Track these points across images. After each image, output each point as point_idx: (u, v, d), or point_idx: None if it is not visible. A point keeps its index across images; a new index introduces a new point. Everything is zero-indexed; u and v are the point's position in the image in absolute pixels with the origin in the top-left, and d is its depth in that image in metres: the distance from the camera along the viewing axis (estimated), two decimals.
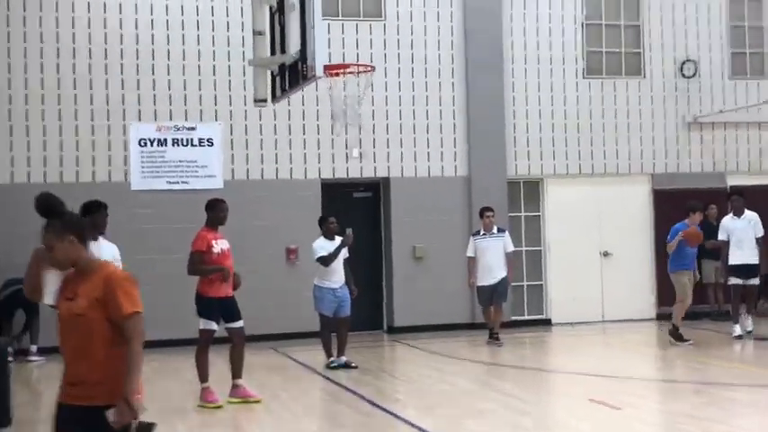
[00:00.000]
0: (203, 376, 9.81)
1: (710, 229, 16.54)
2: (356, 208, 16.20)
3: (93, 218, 8.20)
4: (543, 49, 16.71)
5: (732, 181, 17.22)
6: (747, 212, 13.95)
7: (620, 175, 17.06)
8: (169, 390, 10.92)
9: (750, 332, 13.74)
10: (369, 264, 15.91)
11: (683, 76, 17.22)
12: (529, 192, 16.88)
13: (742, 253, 13.77)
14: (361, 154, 15.76)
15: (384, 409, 9.32)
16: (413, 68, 16.10)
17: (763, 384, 10.16)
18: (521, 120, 16.60)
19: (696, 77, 17.25)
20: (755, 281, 13.88)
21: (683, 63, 17.22)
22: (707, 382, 10.45)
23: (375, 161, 15.97)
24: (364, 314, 15.01)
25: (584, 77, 16.93)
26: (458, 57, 16.28)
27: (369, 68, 12.24)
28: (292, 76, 8.61)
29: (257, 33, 8.73)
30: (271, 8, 8.96)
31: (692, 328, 15.67)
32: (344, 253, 12.20)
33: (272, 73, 9.19)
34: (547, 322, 16.72)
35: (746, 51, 17.65)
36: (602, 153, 16.97)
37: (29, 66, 14.69)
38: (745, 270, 13.75)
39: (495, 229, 13.91)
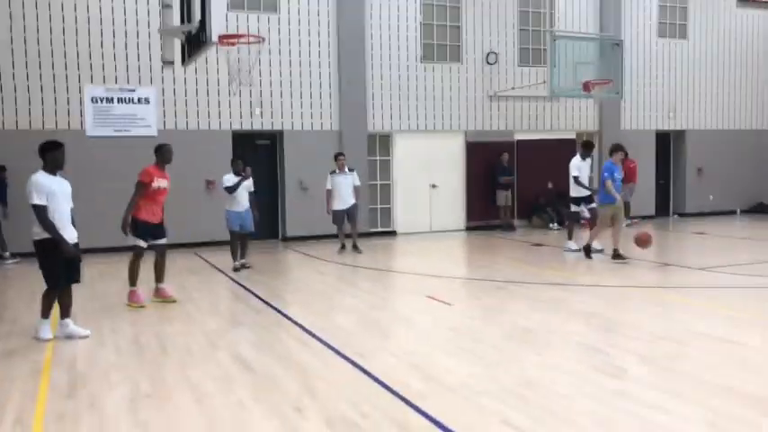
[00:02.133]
0: (132, 281, 7.95)
1: (503, 169, 15.75)
2: (259, 152, 14.31)
3: (53, 154, 6.23)
4: (393, 40, 15.02)
5: (518, 136, 16.35)
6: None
7: (444, 131, 15.69)
8: (106, 290, 8.96)
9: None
10: (269, 191, 14.15)
11: (488, 63, 15.92)
12: (382, 142, 15.33)
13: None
14: (261, 112, 13.88)
15: (273, 307, 7.70)
16: (300, 51, 14.18)
17: (545, 282, 9.02)
18: (377, 90, 14.95)
19: (496, 64, 15.98)
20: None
21: (488, 54, 15.90)
22: (507, 280, 9.21)
23: (272, 117, 14.07)
24: (266, 227, 13.34)
25: (420, 62, 15.35)
26: (333, 45, 14.42)
27: (259, 39, 10.29)
28: (195, 43, 6.69)
29: (165, 6, 6.71)
30: None
31: (489, 236, 14.72)
32: (249, 185, 10.55)
33: (181, 42, 7.21)
34: (393, 233, 15.38)
35: (530, 47, 16.43)
36: (432, 116, 15.53)
37: (14, 39, 12.05)
38: (587, 199, 11.69)
39: (346, 169, 12.32)
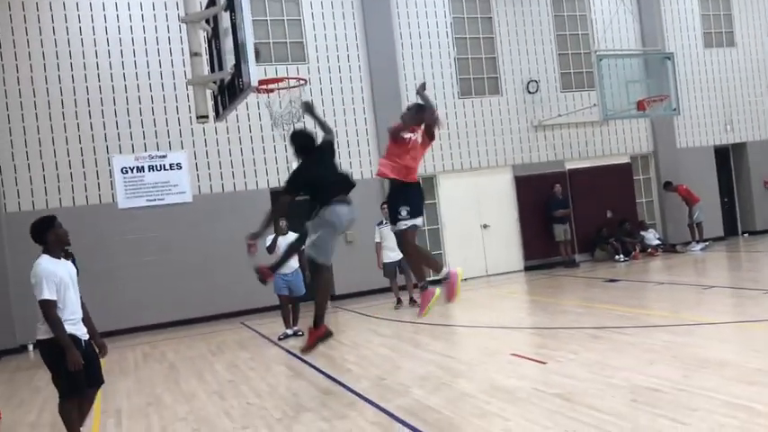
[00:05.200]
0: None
1: (557, 201, 14.77)
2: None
3: (54, 232, 4.98)
4: (428, 78, 14.16)
5: (569, 165, 15.33)
6: None
7: (490, 167, 14.74)
8: (151, 378, 8.01)
9: None
10: None
11: (529, 92, 15.02)
12: (427, 185, 14.33)
13: None
14: None
15: (340, 383, 6.67)
16: (333, 99, 13.48)
17: (645, 325, 7.86)
18: None
19: (538, 93, 15.06)
20: None
21: (528, 83, 15.01)
22: (597, 326, 8.06)
23: None
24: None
25: (459, 98, 14.53)
26: (366, 90, 13.69)
27: (301, 81, 9.52)
28: (230, 92, 5.89)
29: (194, 55, 5.95)
30: (206, 33, 6.18)
31: (552, 276, 13.57)
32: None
33: (213, 94, 6.43)
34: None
35: (571, 72, 15.53)
36: (476, 152, 14.62)
37: (27, 117, 11.54)
38: None
39: None
